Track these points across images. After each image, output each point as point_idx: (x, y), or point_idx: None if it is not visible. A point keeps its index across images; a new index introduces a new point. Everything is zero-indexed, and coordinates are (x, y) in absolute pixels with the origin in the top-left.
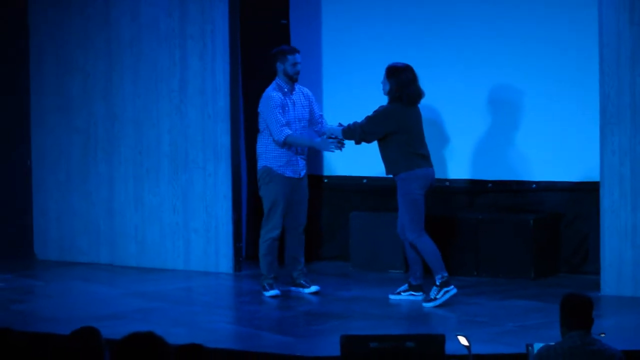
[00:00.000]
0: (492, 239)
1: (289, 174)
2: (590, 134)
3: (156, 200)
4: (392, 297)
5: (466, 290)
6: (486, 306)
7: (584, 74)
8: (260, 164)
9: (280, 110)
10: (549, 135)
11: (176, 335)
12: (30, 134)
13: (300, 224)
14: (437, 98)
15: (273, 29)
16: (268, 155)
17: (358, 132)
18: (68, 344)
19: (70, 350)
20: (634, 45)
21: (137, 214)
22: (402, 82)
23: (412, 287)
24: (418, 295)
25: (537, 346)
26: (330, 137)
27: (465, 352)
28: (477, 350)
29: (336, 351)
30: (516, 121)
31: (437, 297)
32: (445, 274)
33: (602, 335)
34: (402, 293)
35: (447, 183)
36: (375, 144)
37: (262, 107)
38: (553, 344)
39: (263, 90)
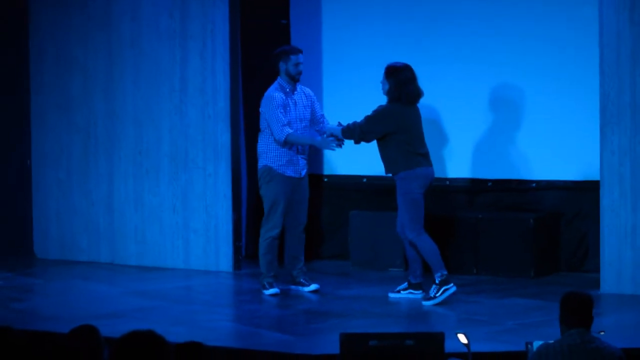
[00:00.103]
0: (492, 238)
1: (289, 173)
2: (590, 132)
3: (156, 200)
4: (391, 295)
5: (466, 288)
6: (486, 304)
7: (584, 72)
8: (261, 163)
9: (282, 110)
10: (549, 134)
11: (176, 333)
12: (30, 133)
13: (300, 223)
14: (436, 97)
15: (273, 29)
16: (269, 154)
17: (357, 132)
18: (67, 342)
19: (70, 349)
20: (634, 44)
21: (137, 213)
22: (401, 82)
23: (411, 286)
24: (417, 294)
25: (537, 344)
26: (330, 137)
27: (465, 350)
28: (477, 348)
29: (336, 349)
30: (516, 120)
31: (437, 295)
32: (445, 273)
33: (602, 333)
34: (401, 291)
35: (447, 182)
36: (375, 143)
37: (263, 107)
38: (552, 341)
39: (263, 90)
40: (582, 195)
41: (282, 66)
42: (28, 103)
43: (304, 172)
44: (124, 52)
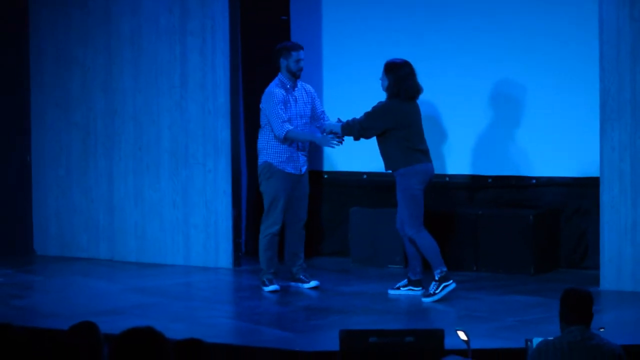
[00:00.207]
0: (491, 234)
1: (289, 169)
2: (590, 129)
3: (156, 196)
4: (391, 292)
5: (465, 285)
6: (485, 301)
7: (584, 68)
8: (261, 159)
9: (282, 107)
10: (548, 130)
11: (175, 330)
12: (30, 130)
13: (300, 220)
14: (436, 93)
15: (273, 24)
16: (269, 150)
17: (357, 128)
18: (67, 339)
19: (70, 346)
20: (634, 41)
21: (137, 210)
22: (400, 78)
23: (411, 282)
24: (417, 290)
25: (537, 341)
26: (330, 133)
27: (465, 347)
28: (476, 345)
29: (335, 346)
30: (516, 116)
31: (436, 292)
32: (445, 269)
33: (602, 329)
34: (401, 288)
35: (447, 178)
36: (374, 139)
37: (264, 103)
38: (552, 338)
39: (263, 85)
40: (582, 192)
41: (282, 62)
42: (28, 101)
43: (304, 169)
44: (124, 49)
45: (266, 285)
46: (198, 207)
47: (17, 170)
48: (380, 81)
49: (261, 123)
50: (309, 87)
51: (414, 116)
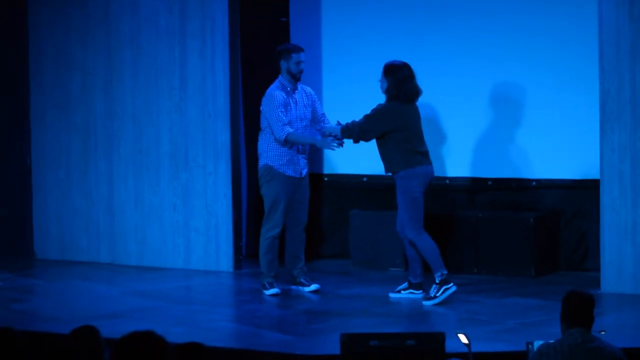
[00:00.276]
0: (492, 237)
1: (290, 173)
2: (590, 130)
3: (156, 199)
4: (392, 295)
5: (466, 288)
6: (486, 304)
7: (584, 69)
8: (262, 162)
9: (283, 109)
10: (549, 132)
11: (176, 334)
12: (30, 132)
13: (301, 223)
14: (436, 94)
15: (273, 26)
16: (269, 153)
17: (356, 131)
18: (68, 343)
19: (70, 350)
20: (633, 40)
21: (137, 213)
22: (400, 80)
23: (411, 285)
24: (418, 294)
25: (537, 344)
26: (330, 136)
27: (466, 350)
28: (477, 348)
29: (336, 349)
30: (516, 118)
31: (437, 295)
32: (445, 272)
33: (603, 332)
34: (402, 291)
35: (447, 181)
36: (374, 141)
37: (264, 106)
38: (553, 341)
39: (263, 87)
40: (582, 194)
41: (283, 65)
42: (28, 103)
43: (304, 172)
44: (123, 51)
45: (267, 289)
46: (198, 210)
47: (17, 172)
48: (379, 83)
49: (261, 126)
50: (309, 89)
51: (414, 118)
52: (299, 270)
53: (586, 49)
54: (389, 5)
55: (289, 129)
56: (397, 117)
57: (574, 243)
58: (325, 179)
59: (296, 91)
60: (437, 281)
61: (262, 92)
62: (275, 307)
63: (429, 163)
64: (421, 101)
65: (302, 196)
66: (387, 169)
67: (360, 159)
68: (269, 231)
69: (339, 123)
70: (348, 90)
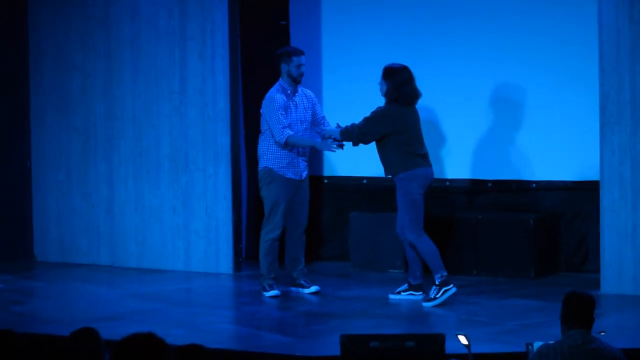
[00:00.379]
0: (492, 239)
1: (290, 175)
2: (590, 132)
3: (156, 201)
4: (391, 296)
5: (466, 289)
6: (486, 305)
7: (584, 69)
8: (262, 164)
9: (283, 112)
10: (548, 134)
11: (176, 336)
12: (30, 134)
13: (301, 225)
14: (436, 96)
15: (273, 29)
16: (269, 156)
17: (356, 134)
18: (68, 345)
19: (71, 352)
20: (633, 42)
21: (137, 215)
22: (399, 83)
23: (411, 287)
24: (418, 295)
25: (537, 345)
26: (330, 139)
27: (465, 351)
28: (477, 349)
29: (336, 351)
30: (516, 119)
31: (437, 296)
32: (445, 273)
33: (603, 333)
34: (401, 293)
35: (447, 183)
36: (374, 144)
37: (264, 108)
38: (553, 342)
39: (263, 90)
40: (582, 196)
41: (283, 67)
42: (28, 103)
43: (304, 174)
44: (123, 53)
45: (267, 291)
46: (198, 212)
47: (17, 174)
48: (378, 86)
49: (261, 128)
50: (309, 92)
51: (413, 121)
52: (299, 272)
53: (586, 49)
54: (388, 7)
55: (289, 132)
56: (397, 120)
57: (574, 245)
58: (325, 181)
59: (296, 94)
60: (437, 283)
61: (262, 95)
62: (275, 309)
63: (429, 165)
64: (421, 102)
65: (302, 198)
66: (387, 172)
67: (360, 162)
68: (268, 233)
69: (338, 125)
70: (348, 91)
